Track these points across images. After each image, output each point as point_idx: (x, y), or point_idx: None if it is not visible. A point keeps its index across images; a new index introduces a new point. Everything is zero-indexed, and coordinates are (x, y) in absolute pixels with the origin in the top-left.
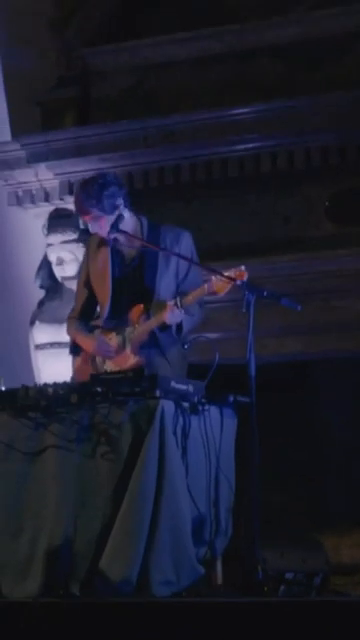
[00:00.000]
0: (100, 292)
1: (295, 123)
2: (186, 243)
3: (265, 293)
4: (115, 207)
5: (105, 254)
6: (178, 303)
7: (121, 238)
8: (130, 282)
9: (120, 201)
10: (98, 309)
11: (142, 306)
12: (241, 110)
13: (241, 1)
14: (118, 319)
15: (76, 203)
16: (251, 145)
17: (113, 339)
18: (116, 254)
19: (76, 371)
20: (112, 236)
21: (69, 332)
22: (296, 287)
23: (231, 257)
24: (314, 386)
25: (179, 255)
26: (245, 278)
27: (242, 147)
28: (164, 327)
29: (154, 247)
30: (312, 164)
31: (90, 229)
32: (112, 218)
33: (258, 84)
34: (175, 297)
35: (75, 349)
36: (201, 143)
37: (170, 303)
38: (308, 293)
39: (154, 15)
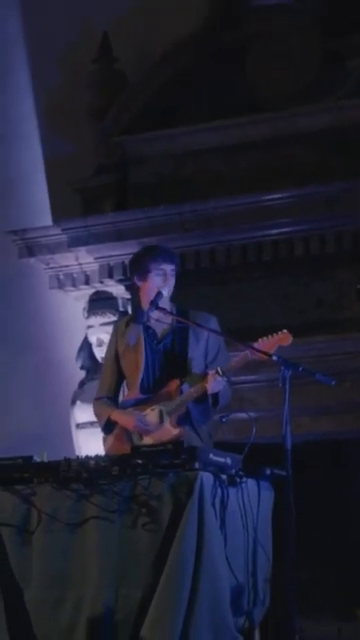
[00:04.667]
0: (130, 369)
1: (327, 208)
2: (214, 327)
3: (301, 368)
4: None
5: (136, 331)
6: (219, 371)
7: (154, 316)
8: (162, 358)
9: None
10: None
11: (178, 380)
12: (275, 195)
13: (274, 90)
14: (150, 394)
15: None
16: (284, 229)
17: (149, 414)
18: (147, 331)
19: (109, 449)
20: (151, 312)
21: (101, 411)
22: (328, 367)
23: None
24: (347, 464)
25: (213, 330)
26: (289, 341)
27: (276, 231)
28: (200, 400)
29: (189, 322)
30: (343, 248)
31: (165, 282)
32: (171, 285)
33: (291, 170)
34: (214, 369)
35: (108, 427)
36: (236, 227)
37: (212, 372)
38: (340, 373)
39: (190, 104)
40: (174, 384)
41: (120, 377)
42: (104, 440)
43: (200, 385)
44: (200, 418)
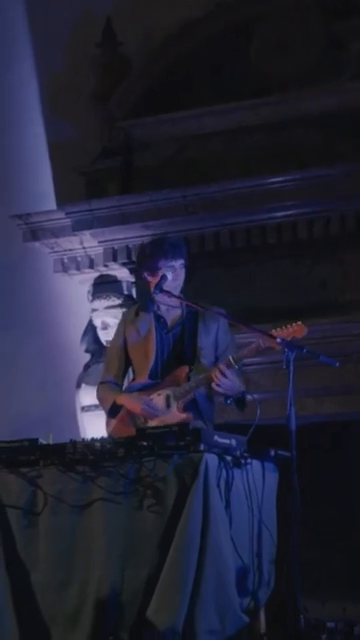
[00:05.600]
0: (140, 357)
1: (330, 190)
2: (224, 321)
3: (304, 350)
4: (186, 269)
5: (147, 320)
6: (231, 360)
7: (160, 299)
8: (172, 346)
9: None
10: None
11: (187, 367)
12: (278, 178)
13: (278, 74)
14: (158, 380)
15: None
16: (288, 212)
17: (156, 399)
18: (158, 320)
19: (112, 432)
20: (157, 295)
21: (106, 395)
22: (332, 349)
23: (269, 320)
24: (351, 446)
25: (224, 315)
26: (304, 332)
27: (280, 214)
28: (209, 393)
29: (197, 307)
30: (347, 230)
31: (175, 277)
32: (182, 279)
33: (294, 153)
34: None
35: (113, 411)
36: (240, 210)
37: (222, 365)
38: (344, 355)
39: (194, 87)
40: (182, 370)
41: (127, 365)
42: (107, 424)
43: (209, 373)
44: (207, 409)
